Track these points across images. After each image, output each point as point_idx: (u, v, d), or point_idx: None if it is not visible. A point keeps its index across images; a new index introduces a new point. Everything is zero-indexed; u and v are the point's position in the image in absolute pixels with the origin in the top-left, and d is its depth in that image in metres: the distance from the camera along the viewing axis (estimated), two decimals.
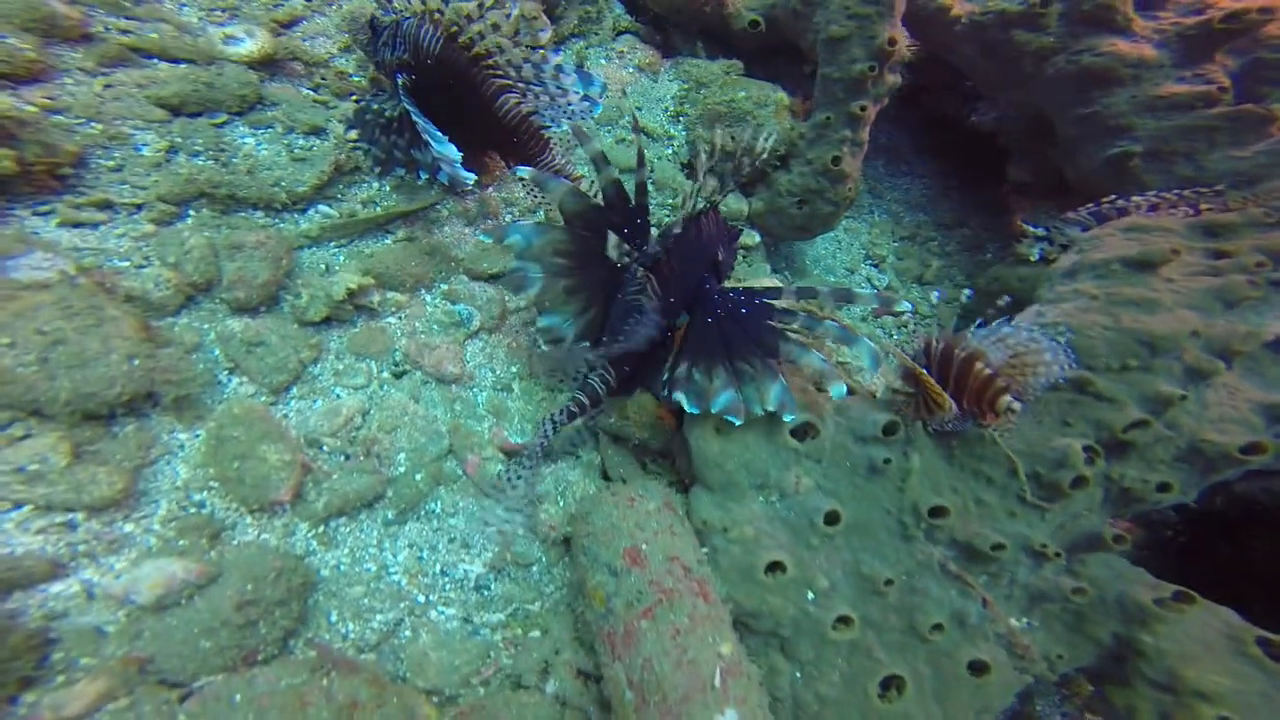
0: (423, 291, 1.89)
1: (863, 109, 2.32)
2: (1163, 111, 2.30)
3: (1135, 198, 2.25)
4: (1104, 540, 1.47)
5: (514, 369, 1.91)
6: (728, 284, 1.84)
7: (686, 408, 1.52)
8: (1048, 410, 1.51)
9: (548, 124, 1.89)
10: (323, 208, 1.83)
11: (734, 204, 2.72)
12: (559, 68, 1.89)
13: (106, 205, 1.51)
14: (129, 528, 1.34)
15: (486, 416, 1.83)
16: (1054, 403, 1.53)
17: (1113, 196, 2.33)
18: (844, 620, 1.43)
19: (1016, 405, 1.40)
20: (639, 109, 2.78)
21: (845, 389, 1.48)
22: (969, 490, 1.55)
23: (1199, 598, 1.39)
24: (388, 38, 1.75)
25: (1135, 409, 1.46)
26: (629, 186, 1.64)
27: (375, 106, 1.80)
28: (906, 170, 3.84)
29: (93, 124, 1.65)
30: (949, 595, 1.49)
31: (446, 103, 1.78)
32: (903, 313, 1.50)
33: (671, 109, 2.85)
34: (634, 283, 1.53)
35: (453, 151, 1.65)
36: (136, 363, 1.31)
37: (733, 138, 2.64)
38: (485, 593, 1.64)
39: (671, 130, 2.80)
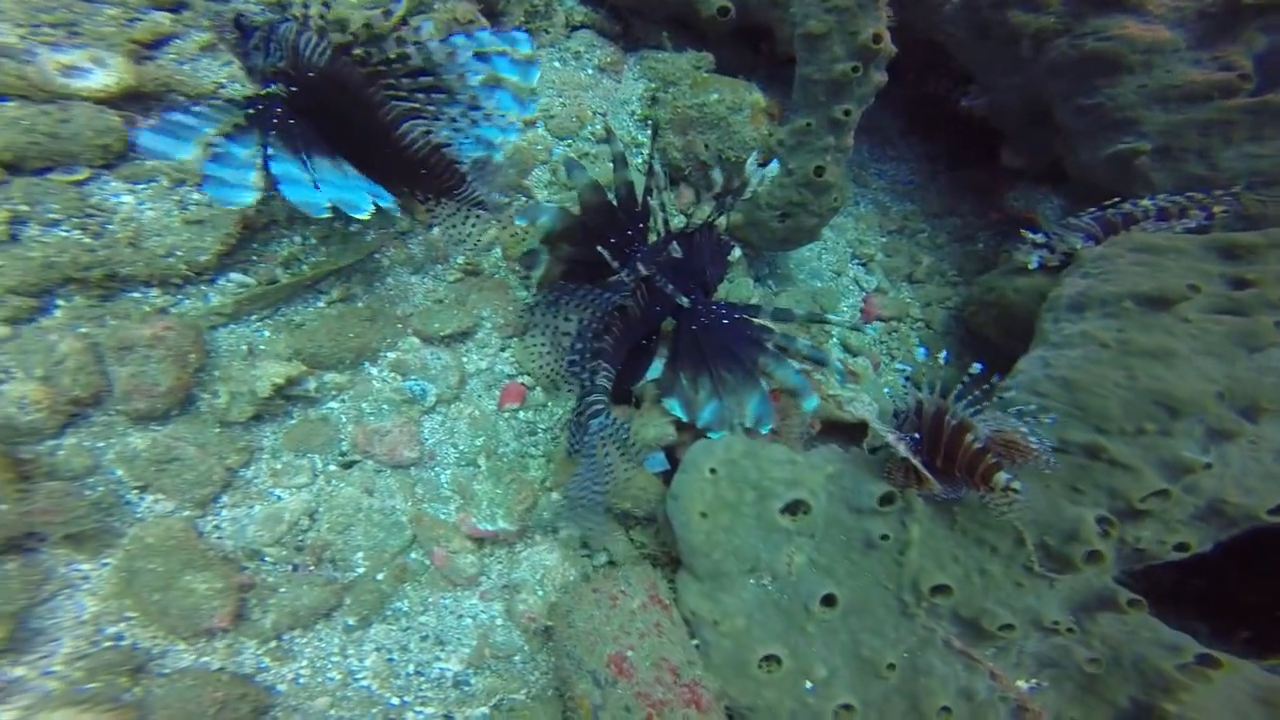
0: (367, 366, 1.67)
1: (846, 113, 2.08)
2: (1174, 103, 2.10)
3: (1144, 202, 2.08)
4: (1117, 604, 1.39)
5: (478, 442, 1.73)
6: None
7: (678, 414, 1.59)
8: (1056, 475, 1.40)
9: (462, 155, 1.63)
10: (236, 276, 1.57)
11: (708, 215, 2.48)
12: (489, 86, 1.59)
13: None
14: (19, 672, 1.16)
15: (453, 497, 1.66)
16: (1063, 467, 1.41)
17: (1117, 200, 2.15)
18: (846, 708, 1.35)
19: (1017, 485, 1.29)
20: (603, 114, 2.49)
21: (818, 402, 1.60)
22: (972, 559, 1.45)
23: (1226, 659, 1.31)
24: (259, 40, 1.43)
25: (1154, 476, 1.35)
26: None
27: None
28: (893, 154, 3.60)
29: None
30: (955, 671, 1.41)
31: (333, 123, 1.48)
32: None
33: (639, 111, 2.56)
34: (624, 288, 1.57)
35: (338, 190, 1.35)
36: (4, 508, 1.10)
37: (706, 146, 2.38)
38: (466, 688, 1.53)
39: (640, 137, 2.52)
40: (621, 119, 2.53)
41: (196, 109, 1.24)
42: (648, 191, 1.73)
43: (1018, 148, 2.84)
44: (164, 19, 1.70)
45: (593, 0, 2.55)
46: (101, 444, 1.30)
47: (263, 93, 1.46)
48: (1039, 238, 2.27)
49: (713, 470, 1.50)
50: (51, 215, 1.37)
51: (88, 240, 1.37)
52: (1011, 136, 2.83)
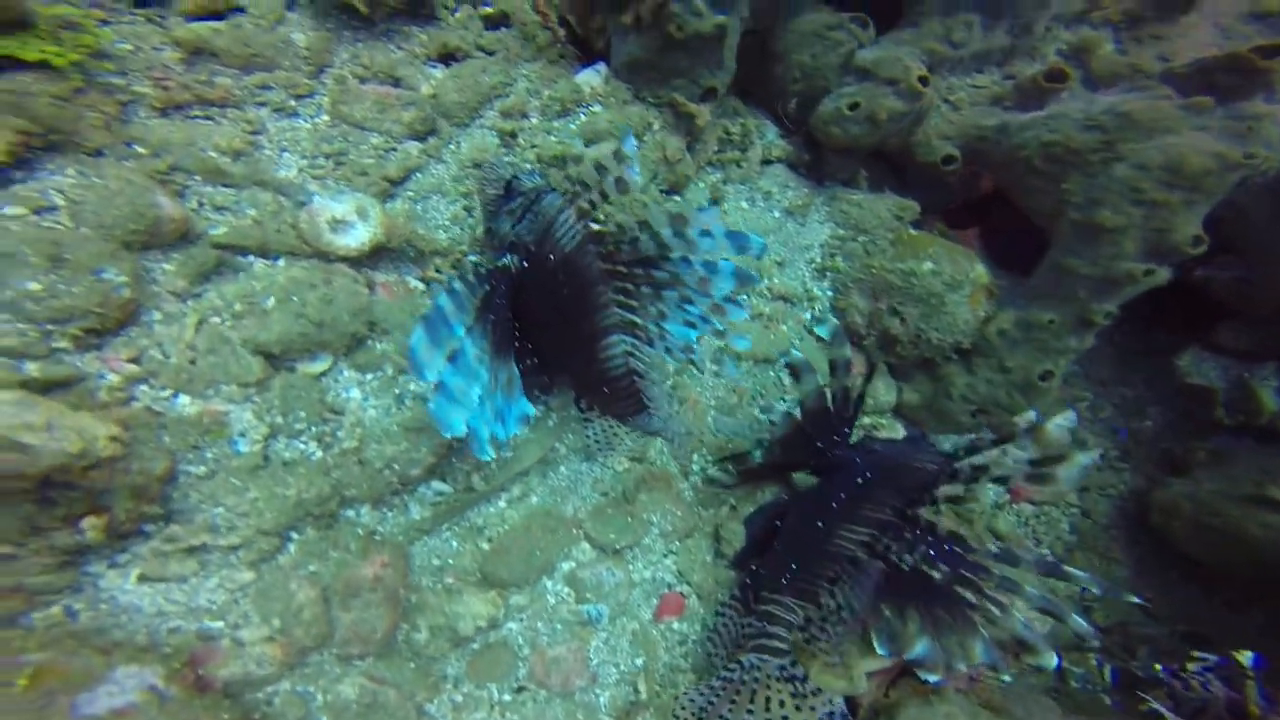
0: (545, 581, 1.61)
1: (1107, 316, 1.75)
2: None
3: None
4: None
5: (638, 661, 1.64)
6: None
7: (877, 648, 1.46)
8: None
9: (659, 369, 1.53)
10: (436, 484, 1.54)
11: (881, 392, 2.24)
12: (711, 266, 1.40)
13: (199, 548, 1.27)
14: None
15: None
16: None
17: None
18: None
19: None
20: (780, 263, 2.27)
21: (1057, 660, 1.41)
22: None
23: None
24: (518, 207, 1.38)
25: None
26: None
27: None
28: None
29: (181, 399, 1.38)
30: None
31: (545, 308, 1.40)
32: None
33: (819, 261, 2.32)
34: (855, 532, 1.50)
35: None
36: None
37: (902, 320, 2.11)
38: None
39: (815, 289, 2.28)
40: (798, 268, 2.31)
41: (451, 291, 1.19)
42: (860, 399, 1.67)
43: (1258, 331, 2.35)
44: (414, 149, 1.71)
45: (792, 131, 2.30)
46: (313, 688, 1.31)
47: (498, 265, 1.38)
48: None
49: None
50: (297, 426, 1.38)
51: (322, 458, 1.36)
52: (1250, 318, 2.35)
